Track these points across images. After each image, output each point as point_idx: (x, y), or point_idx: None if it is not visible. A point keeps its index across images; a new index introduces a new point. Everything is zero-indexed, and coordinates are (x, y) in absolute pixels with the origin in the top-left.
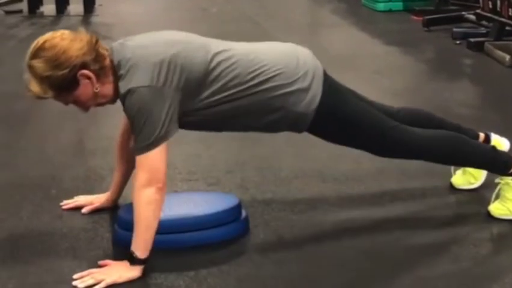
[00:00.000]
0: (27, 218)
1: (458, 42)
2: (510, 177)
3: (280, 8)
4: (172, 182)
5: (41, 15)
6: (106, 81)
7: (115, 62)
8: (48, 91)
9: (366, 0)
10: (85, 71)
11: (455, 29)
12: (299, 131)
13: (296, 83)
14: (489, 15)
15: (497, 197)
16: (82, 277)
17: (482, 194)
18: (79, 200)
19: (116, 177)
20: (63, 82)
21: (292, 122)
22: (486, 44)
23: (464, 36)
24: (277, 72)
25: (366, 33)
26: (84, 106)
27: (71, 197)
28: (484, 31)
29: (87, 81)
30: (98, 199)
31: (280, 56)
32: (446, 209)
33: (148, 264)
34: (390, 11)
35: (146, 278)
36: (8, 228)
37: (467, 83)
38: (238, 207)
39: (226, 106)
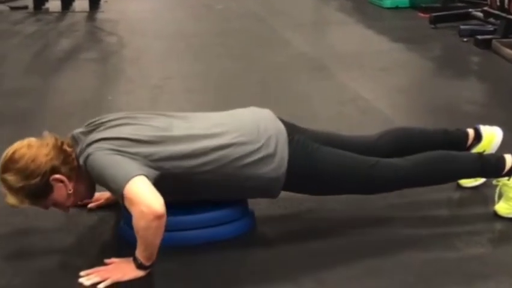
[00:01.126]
0: (32, 215)
1: (465, 39)
2: (506, 178)
3: (285, 5)
4: None
5: (47, 11)
6: (78, 179)
7: (77, 152)
8: (24, 200)
9: None
10: (56, 176)
11: (462, 27)
12: (273, 196)
13: (261, 150)
14: (496, 12)
15: (499, 197)
16: (88, 274)
17: (486, 192)
18: None
19: None
20: (37, 190)
21: (264, 188)
22: (493, 41)
23: (471, 34)
24: (241, 143)
25: (372, 30)
26: (63, 207)
27: None
28: (492, 28)
29: (60, 184)
30: (103, 196)
31: (241, 127)
32: (451, 206)
33: (154, 263)
34: (396, 8)
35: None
36: (13, 225)
37: (474, 81)
38: (244, 204)
39: (194, 178)
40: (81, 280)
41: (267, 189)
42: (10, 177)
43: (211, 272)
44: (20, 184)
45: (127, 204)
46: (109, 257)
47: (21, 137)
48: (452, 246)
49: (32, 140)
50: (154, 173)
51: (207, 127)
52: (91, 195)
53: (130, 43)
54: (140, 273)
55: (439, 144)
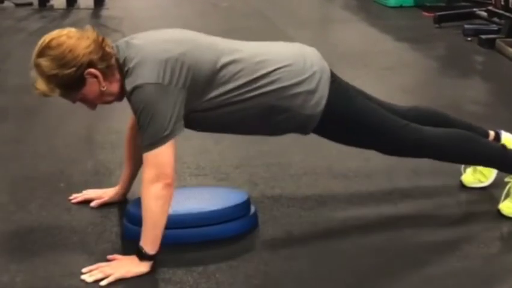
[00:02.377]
0: (36, 212)
1: (469, 39)
2: None
3: (290, 3)
4: (181, 177)
5: (51, 8)
6: (112, 79)
7: (121, 60)
8: (55, 89)
9: None
10: (92, 70)
11: (466, 26)
12: (305, 132)
13: (303, 85)
14: (501, 12)
15: (506, 196)
16: (90, 271)
17: (492, 193)
18: (88, 193)
19: (125, 171)
20: (70, 81)
21: (299, 124)
22: (497, 41)
23: (476, 33)
24: (284, 74)
25: (376, 29)
26: (91, 104)
27: (79, 190)
28: (496, 28)
29: (94, 79)
30: (107, 193)
31: (287, 58)
32: (456, 207)
33: (157, 260)
34: (401, 7)
35: (154, 273)
36: (16, 222)
37: (478, 80)
38: (247, 203)
39: (232, 107)
40: (83, 277)
41: (300, 125)
42: (45, 63)
43: (213, 271)
44: (54, 72)
45: (144, 159)
46: (112, 254)
47: (26, 133)
48: (457, 247)
49: (73, 30)
50: (193, 104)
51: (252, 55)
52: (121, 98)
53: None
54: (143, 269)
55: None
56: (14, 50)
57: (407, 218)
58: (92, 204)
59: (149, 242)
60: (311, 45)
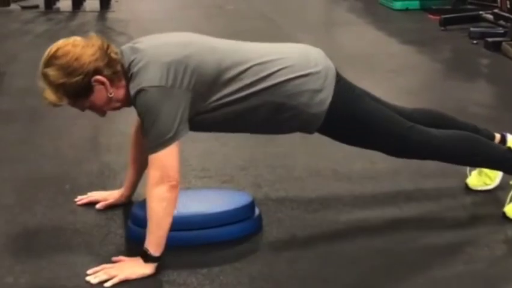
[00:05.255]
0: (41, 213)
1: (475, 41)
2: None
3: (296, 6)
4: (186, 179)
5: (57, 10)
6: (119, 85)
7: (126, 65)
8: (63, 98)
9: None
10: (99, 77)
11: (472, 29)
12: (309, 132)
13: (308, 83)
14: (507, 15)
15: (511, 199)
16: (95, 272)
17: (498, 196)
18: (93, 195)
19: (129, 173)
20: (77, 89)
21: (303, 123)
22: (503, 44)
23: (481, 36)
24: (289, 75)
25: (382, 32)
26: (100, 111)
27: (85, 192)
28: (502, 31)
29: (101, 86)
30: (112, 195)
31: (291, 58)
32: (461, 210)
33: (161, 261)
34: (406, 9)
35: (158, 275)
36: (21, 223)
37: (483, 83)
38: (251, 205)
39: (237, 107)
40: (88, 278)
41: (305, 124)
42: (52, 73)
43: (217, 273)
44: (61, 81)
45: (149, 161)
46: (117, 256)
47: (31, 134)
48: (461, 249)
49: (78, 38)
50: (198, 105)
51: (257, 56)
52: (130, 104)
53: None
54: (148, 271)
55: None
56: (21, 52)
57: (412, 220)
58: (98, 206)
59: (154, 243)
60: (317, 47)
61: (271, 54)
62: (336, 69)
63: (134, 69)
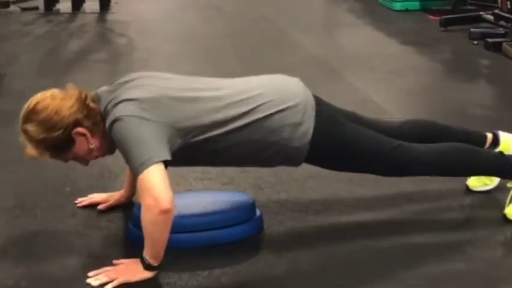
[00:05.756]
0: (41, 216)
1: (475, 42)
2: None
3: (295, 6)
4: (186, 181)
5: (57, 12)
6: (100, 135)
7: (102, 109)
8: (44, 153)
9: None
10: (79, 129)
11: (472, 29)
12: (295, 165)
13: (287, 117)
14: (507, 15)
15: (511, 201)
16: (96, 275)
17: (498, 197)
18: (94, 197)
19: (129, 175)
20: (58, 142)
21: (288, 157)
22: (504, 44)
23: (482, 37)
24: (268, 111)
25: (382, 33)
26: (83, 161)
27: (85, 194)
28: (502, 31)
29: (82, 138)
30: (112, 197)
31: (269, 93)
32: (461, 211)
33: (162, 264)
34: (406, 10)
35: (159, 278)
36: (21, 225)
37: (484, 84)
38: (252, 207)
39: (217, 144)
40: (89, 280)
41: (290, 157)
42: (31, 128)
43: (218, 275)
44: (42, 136)
45: (138, 189)
46: (118, 258)
47: None
48: (462, 251)
49: (56, 91)
50: (176, 141)
51: (235, 92)
52: (112, 151)
53: (140, 44)
54: (148, 274)
55: (458, 141)
56: (20, 54)
57: (412, 222)
58: (100, 207)
59: (151, 256)
60: (317, 48)
61: (249, 91)
62: (315, 98)
63: (109, 108)
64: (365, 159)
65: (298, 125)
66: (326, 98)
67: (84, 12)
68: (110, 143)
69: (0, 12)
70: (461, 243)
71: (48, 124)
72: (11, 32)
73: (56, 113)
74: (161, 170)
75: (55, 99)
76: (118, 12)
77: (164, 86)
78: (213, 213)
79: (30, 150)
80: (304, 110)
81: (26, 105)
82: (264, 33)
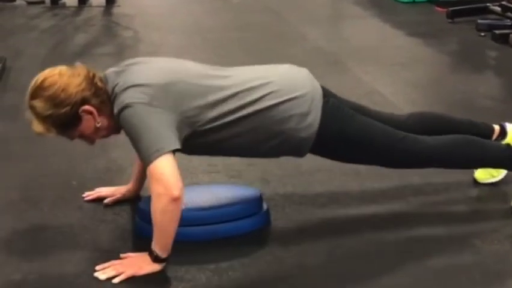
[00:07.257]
0: (47, 210)
1: (482, 34)
2: None
3: None
4: (193, 174)
5: (63, 6)
6: (106, 114)
7: (109, 90)
8: (51, 129)
9: None
10: (87, 107)
11: (479, 21)
12: (300, 155)
13: (294, 107)
14: None
15: None
16: (103, 268)
17: (505, 189)
18: (100, 191)
19: (136, 169)
20: (65, 119)
21: (293, 147)
22: (511, 36)
23: (489, 28)
24: (275, 100)
25: (388, 25)
26: (89, 140)
27: (91, 188)
28: (510, 23)
29: (89, 116)
30: (119, 190)
31: (277, 82)
32: (469, 204)
33: (169, 256)
34: (413, 2)
35: (166, 271)
36: (28, 220)
37: (491, 75)
38: (259, 200)
39: (225, 133)
40: (96, 274)
41: (295, 148)
42: (38, 104)
43: (225, 269)
44: (48, 112)
45: (148, 177)
46: (125, 252)
47: None
48: (470, 243)
49: (64, 68)
50: (185, 129)
51: (243, 81)
52: (118, 131)
53: (146, 38)
54: (156, 267)
55: (465, 133)
56: (26, 48)
57: (420, 214)
58: (106, 201)
59: (160, 248)
60: (323, 40)
61: (257, 79)
62: (323, 88)
63: (118, 91)
64: (372, 151)
65: (305, 115)
66: (332, 89)
67: (90, 6)
68: (117, 123)
69: (6, 5)
70: (469, 236)
71: (55, 101)
72: (16, 26)
73: (63, 90)
74: (172, 160)
75: (63, 76)
76: (123, 5)
77: (174, 72)
78: (220, 206)
79: (37, 126)
80: (312, 100)
81: (33, 82)
82: (270, 26)
